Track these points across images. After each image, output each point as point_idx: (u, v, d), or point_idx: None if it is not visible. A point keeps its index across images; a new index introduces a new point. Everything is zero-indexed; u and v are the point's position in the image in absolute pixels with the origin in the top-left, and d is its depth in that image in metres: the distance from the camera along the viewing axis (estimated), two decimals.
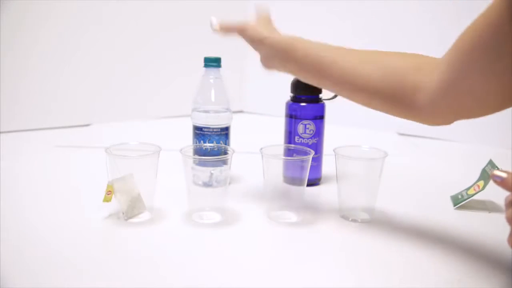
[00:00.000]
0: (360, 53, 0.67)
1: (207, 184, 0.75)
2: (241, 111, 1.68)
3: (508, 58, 0.49)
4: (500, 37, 0.48)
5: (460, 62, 0.54)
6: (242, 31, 0.74)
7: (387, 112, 0.66)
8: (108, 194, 0.69)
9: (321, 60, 0.67)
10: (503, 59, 0.49)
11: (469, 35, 0.52)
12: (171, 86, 1.55)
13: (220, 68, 0.86)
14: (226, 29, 0.76)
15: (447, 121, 0.61)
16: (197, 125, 0.85)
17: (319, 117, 0.87)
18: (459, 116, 0.59)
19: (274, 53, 0.71)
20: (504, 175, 0.48)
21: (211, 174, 0.74)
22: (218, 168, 0.73)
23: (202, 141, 0.84)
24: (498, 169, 0.75)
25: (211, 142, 0.84)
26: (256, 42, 0.73)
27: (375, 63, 0.64)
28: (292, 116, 0.87)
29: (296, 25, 1.57)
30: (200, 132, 0.84)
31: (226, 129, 0.86)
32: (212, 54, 0.86)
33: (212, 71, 0.85)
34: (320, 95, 0.88)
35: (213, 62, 0.85)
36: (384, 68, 0.63)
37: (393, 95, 0.62)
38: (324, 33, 1.49)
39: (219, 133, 0.84)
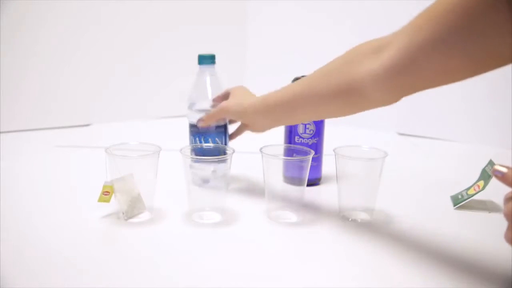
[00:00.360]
0: (315, 73, 0.69)
1: (205, 181, 0.75)
2: None
3: (481, 38, 0.47)
4: (473, 19, 0.47)
5: (422, 40, 0.52)
6: (223, 112, 0.80)
7: (347, 113, 0.67)
8: (105, 195, 0.69)
9: (293, 94, 0.71)
10: (474, 39, 0.48)
11: (434, 13, 0.51)
12: (171, 86, 1.55)
13: (214, 65, 0.85)
14: (208, 119, 0.82)
15: (401, 97, 0.60)
16: (192, 122, 0.84)
17: None
18: (414, 90, 0.58)
19: (259, 115, 0.76)
20: (504, 170, 0.49)
21: (214, 171, 0.74)
22: (218, 165, 0.73)
23: (197, 139, 0.84)
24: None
25: (206, 140, 0.83)
26: (240, 114, 0.79)
27: (322, 72, 0.67)
28: None
29: (297, 26, 1.57)
30: (195, 130, 0.84)
31: (223, 126, 0.85)
32: (213, 53, 0.85)
33: (207, 68, 0.84)
34: None
35: (207, 59, 0.84)
36: (328, 72, 0.65)
37: (341, 92, 0.63)
38: (324, 34, 1.49)
39: (214, 130, 0.84)
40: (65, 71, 1.38)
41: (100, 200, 0.69)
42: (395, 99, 0.60)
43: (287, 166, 0.75)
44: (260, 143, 0.73)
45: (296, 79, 0.87)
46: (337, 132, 0.98)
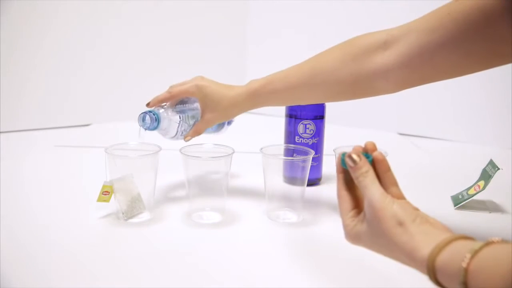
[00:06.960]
0: (314, 67, 0.70)
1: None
2: None
3: (495, 42, 0.52)
4: (491, 21, 0.51)
5: (441, 38, 0.55)
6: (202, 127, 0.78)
7: (350, 99, 0.70)
8: (105, 195, 0.69)
9: (297, 83, 0.72)
10: (492, 38, 0.52)
11: (454, 15, 0.54)
12: None
13: None
14: (192, 134, 0.78)
15: (407, 88, 0.64)
16: None
17: (319, 117, 0.87)
18: (423, 83, 0.62)
19: (248, 104, 0.76)
20: (357, 159, 0.50)
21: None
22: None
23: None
24: (498, 169, 0.75)
25: None
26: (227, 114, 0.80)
27: (327, 68, 0.68)
28: (292, 116, 0.87)
29: (297, 25, 1.57)
30: None
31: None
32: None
33: None
34: None
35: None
36: (334, 67, 0.67)
37: (350, 86, 0.66)
38: (325, 34, 1.49)
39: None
40: (65, 71, 1.38)
41: (99, 200, 0.69)
42: (400, 89, 0.64)
43: (287, 166, 0.75)
44: (260, 143, 0.73)
45: None
46: (337, 132, 0.98)
